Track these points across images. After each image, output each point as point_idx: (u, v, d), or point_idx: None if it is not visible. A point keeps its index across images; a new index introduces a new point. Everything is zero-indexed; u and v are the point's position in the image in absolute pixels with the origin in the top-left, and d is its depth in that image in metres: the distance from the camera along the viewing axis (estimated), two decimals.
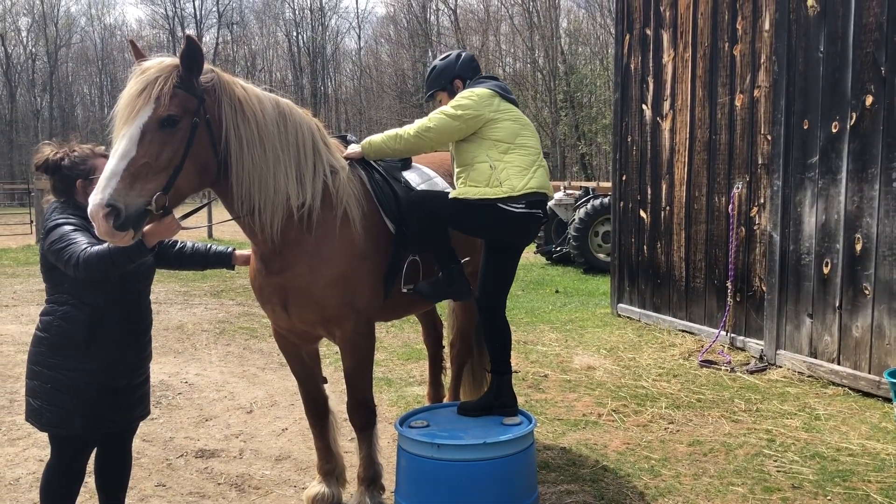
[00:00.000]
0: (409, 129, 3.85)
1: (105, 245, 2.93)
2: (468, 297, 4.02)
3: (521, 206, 3.77)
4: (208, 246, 3.89)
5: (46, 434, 3.34)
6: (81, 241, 3.01)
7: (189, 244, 3.82)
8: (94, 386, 3.21)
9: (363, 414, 3.94)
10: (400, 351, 7.71)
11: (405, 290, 3.89)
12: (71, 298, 3.20)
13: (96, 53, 62.61)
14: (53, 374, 3.17)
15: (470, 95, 3.84)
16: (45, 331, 3.21)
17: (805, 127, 6.57)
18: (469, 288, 3.98)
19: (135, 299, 3.38)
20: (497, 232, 3.89)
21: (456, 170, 4.00)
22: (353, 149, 3.95)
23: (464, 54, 4.20)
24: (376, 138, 3.92)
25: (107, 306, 3.24)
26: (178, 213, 3.22)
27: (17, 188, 41.56)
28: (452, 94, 4.09)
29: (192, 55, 3.04)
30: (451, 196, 3.85)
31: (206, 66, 3.17)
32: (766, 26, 7.10)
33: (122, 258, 2.95)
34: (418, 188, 4.15)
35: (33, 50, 59.72)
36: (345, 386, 3.98)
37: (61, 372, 3.17)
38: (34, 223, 20.00)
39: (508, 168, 3.78)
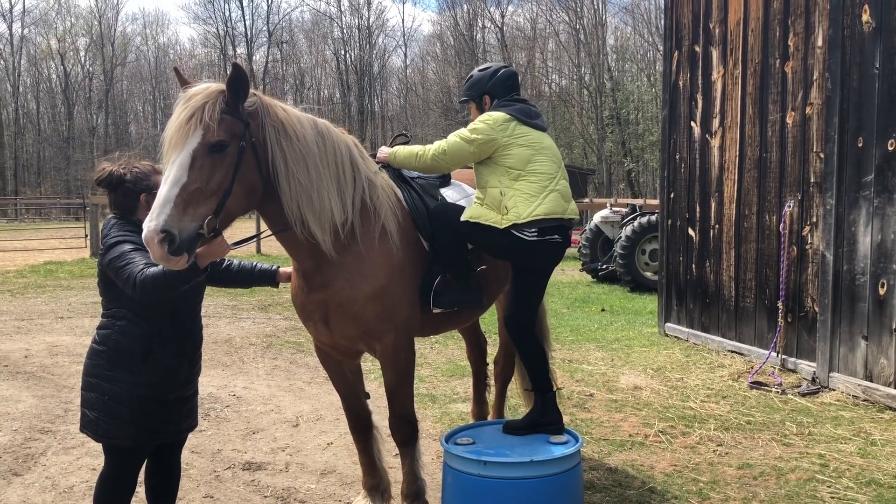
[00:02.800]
0: (427, 151, 3.91)
1: (160, 267, 2.99)
2: (479, 306, 4.10)
3: (532, 232, 3.77)
4: (254, 264, 3.96)
5: (100, 444, 3.41)
6: (139, 261, 3.08)
7: (235, 262, 3.90)
8: (147, 398, 3.28)
9: (405, 429, 3.95)
10: (444, 367, 7.71)
11: (435, 311, 3.91)
12: (128, 313, 3.27)
13: (150, 72, 64.30)
14: (111, 386, 3.25)
15: (486, 119, 3.88)
16: (102, 344, 3.29)
17: (860, 145, 6.43)
18: (481, 297, 4.04)
19: (188, 315, 3.45)
20: (513, 256, 3.93)
21: (477, 190, 4.04)
22: (384, 152, 4.07)
23: (502, 71, 4.15)
24: (402, 151, 4.00)
25: (162, 321, 3.31)
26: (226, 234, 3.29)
27: (72, 202, 42.80)
28: (480, 108, 4.13)
29: (238, 81, 3.10)
30: (463, 216, 3.89)
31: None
32: (819, 43, 6.99)
33: (176, 280, 3.00)
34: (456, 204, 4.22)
35: (90, 69, 61.57)
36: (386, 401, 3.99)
37: (118, 384, 3.24)
38: (89, 237, 20.52)
39: (517, 195, 3.79)
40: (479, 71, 4.21)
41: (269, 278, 3.92)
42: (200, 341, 3.55)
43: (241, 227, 4.15)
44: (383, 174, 3.95)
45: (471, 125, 3.91)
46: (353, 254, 3.63)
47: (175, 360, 3.36)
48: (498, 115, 3.89)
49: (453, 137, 3.89)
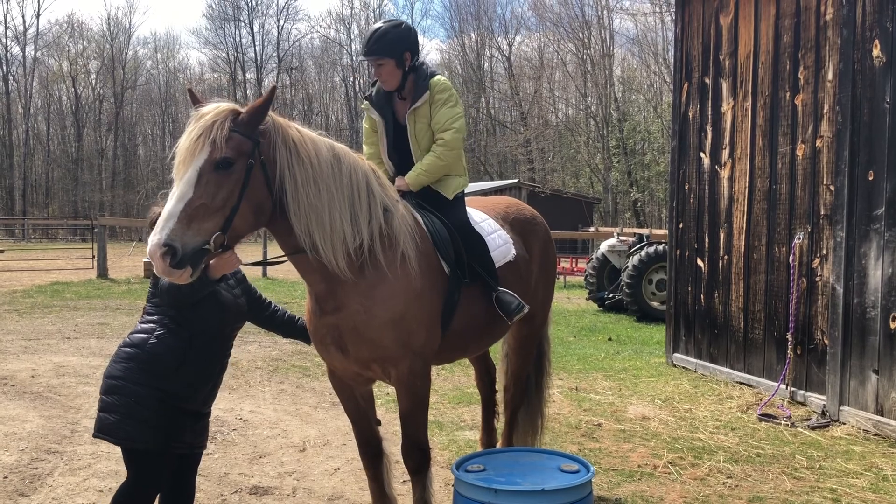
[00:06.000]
0: (436, 157, 4.14)
1: None
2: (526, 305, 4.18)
3: None
4: (297, 318, 4.11)
5: (118, 460, 3.45)
6: None
7: (280, 310, 4.06)
8: (169, 406, 3.38)
9: (417, 456, 3.93)
10: (451, 394, 7.68)
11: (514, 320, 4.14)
12: (171, 323, 3.41)
13: (160, 95, 64.82)
14: (137, 389, 3.34)
15: (447, 84, 4.22)
16: (137, 348, 3.40)
17: (870, 178, 6.44)
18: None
19: (223, 339, 3.59)
20: None
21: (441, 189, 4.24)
22: (401, 181, 4.16)
23: (414, 28, 4.26)
24: (415, 176, 4.14)
25: (201, 338, 3.45)
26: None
27: (79, 224, 42.94)
28: (400, 66, 4.11)
29: (266, 105, 3.21)
30: (448, 191, 4.24)
31: None
32: (830, 76, 7.03)
33: (187, 290, 3.17)
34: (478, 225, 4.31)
35: (101, 91, 62.10)
36: (399, 427, 3.97)
37: (146, 388, 3.34)
38: (96, 258, 20.54)
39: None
40: (393, 27, 4.12)
41: (307, 335, 3.99)
42: (225, 367, 3.68)
43: (250, 251, 4.20)
44: (404, 203, 3.95)
45: (448, 101, 4.16)
46: (369, 279, 3.61)
47: (202, 377, 3.49)
48: (445, 78, 4.23)
49: (452, 126, 4.11)
